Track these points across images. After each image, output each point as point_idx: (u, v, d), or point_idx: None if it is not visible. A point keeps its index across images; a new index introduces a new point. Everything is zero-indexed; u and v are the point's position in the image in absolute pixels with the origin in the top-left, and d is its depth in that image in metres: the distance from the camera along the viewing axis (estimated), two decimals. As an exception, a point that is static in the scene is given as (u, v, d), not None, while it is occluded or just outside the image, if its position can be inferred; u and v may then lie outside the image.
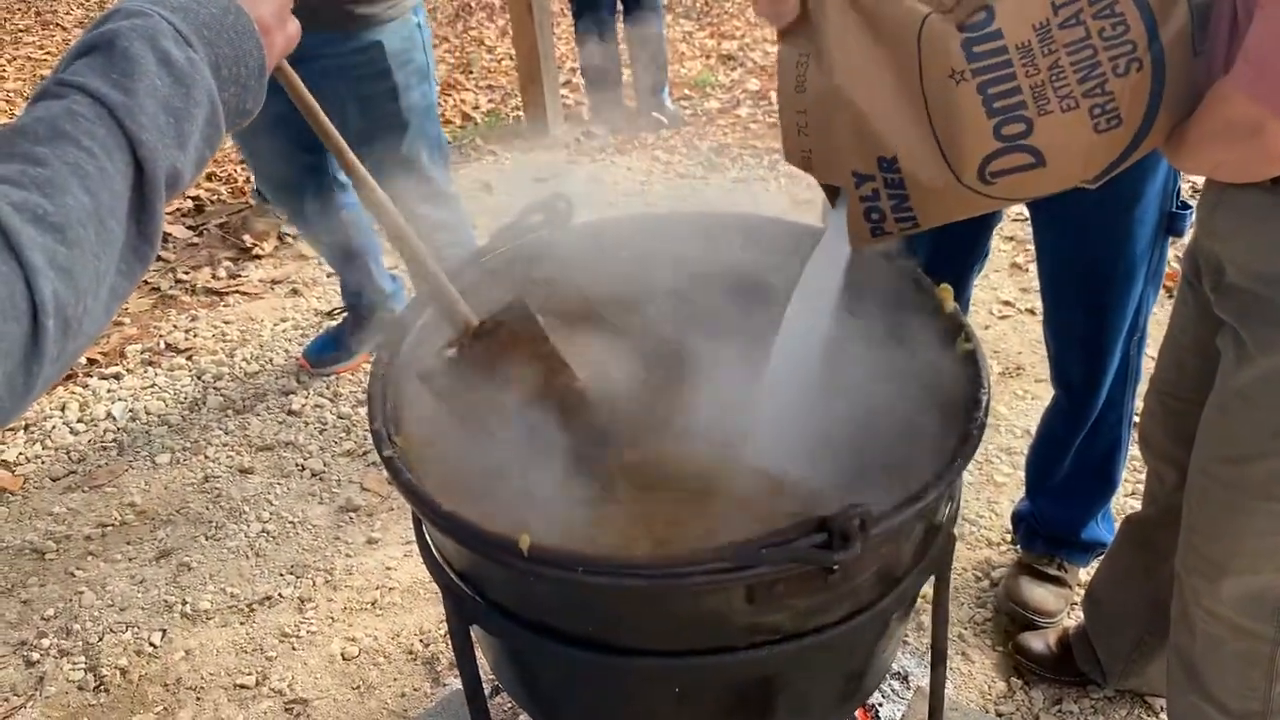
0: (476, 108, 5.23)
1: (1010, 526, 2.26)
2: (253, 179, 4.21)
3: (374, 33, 2.29)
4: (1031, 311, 3.21)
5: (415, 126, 2.44)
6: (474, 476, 1.42)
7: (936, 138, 1.17)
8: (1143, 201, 1.68)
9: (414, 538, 2.08)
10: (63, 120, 0.70)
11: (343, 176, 2.72)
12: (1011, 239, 3.59)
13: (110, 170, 0.70)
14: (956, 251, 1.91)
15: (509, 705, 1.81)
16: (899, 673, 1.94)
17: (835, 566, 1.14)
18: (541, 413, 1.40)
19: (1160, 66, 1.10)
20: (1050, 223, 1.80)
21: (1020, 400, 2.79)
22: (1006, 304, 3.28)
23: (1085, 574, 2.14)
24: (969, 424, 1.27)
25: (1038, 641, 2.00)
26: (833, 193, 1.34)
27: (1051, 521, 2.09)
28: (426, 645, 2.09)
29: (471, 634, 1.37)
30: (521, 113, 4.87)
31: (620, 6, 4.73)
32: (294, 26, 0.97)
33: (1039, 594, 2.07)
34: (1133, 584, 1.79)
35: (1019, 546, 2.22)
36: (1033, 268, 3.46)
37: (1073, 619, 2.08)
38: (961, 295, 2.06)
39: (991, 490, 2.47)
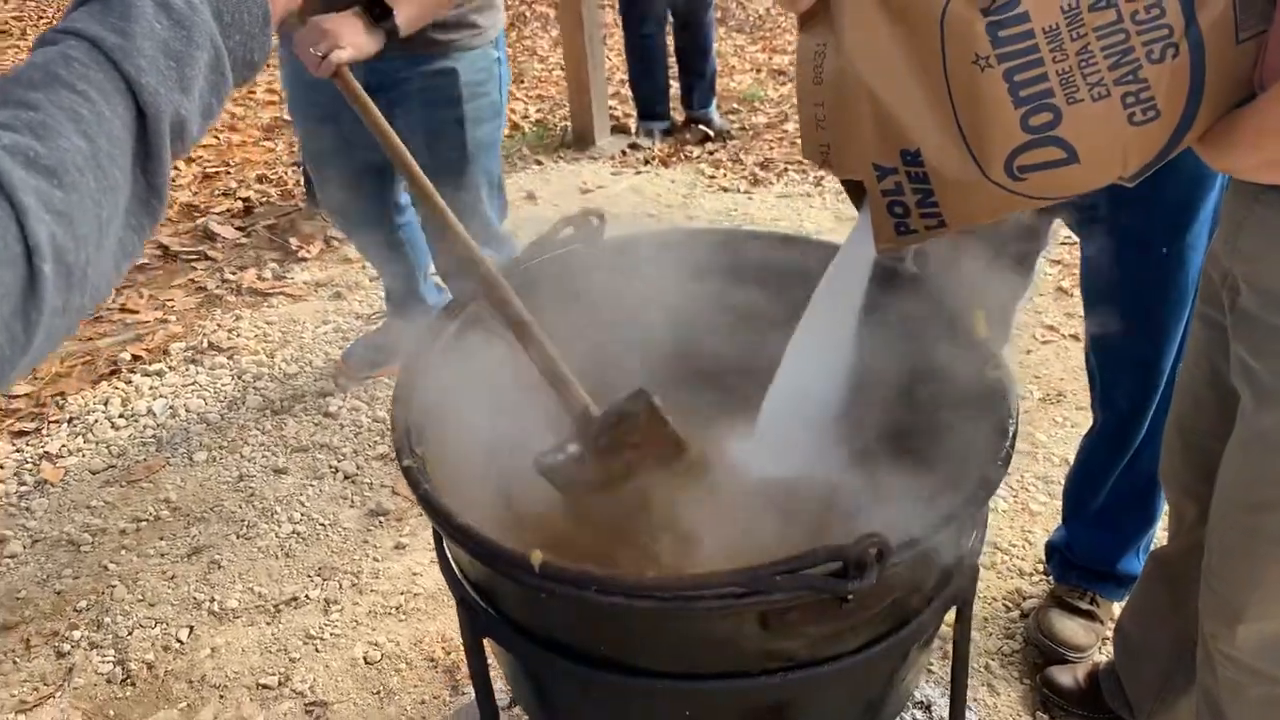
0: (525, 117, 5.26)
1: (1044, 556, 2.22)
2: (303, 182, 4.28)
3: (451, 59, 2.28)
4: (1075, 337, 3.15)
5: (478, 162, 2.42)
6: (492, 491, 1.42)
7: (961, 130, 1.11)
8: (1196, 224, 1.64)
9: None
10: (57, 65, 0.68)
11: (403, 199, 2.76)
12: (1058, 263, 3.54)
13: (108, 114, 0.68)
14: (1002, 280, 1.87)
15: (525, 717, 1.81)
16: (922, 702, 1.91)
17: (849, 596, 1.13)
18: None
19: (1200, 53, 1.03)
20: (1101, 244, 1.75)
21: (1059, 428, 2.74)
22: (1050, 329, 3.23)
23: (1119, 608, 2.09)
24: (994, 456, 1.25)
25: (1066, 676, 1.95)
26: (857, 196, 1.29)
27: (1087, 553, 2.05)
28: (448, 653, 2.09)
29: (486, 646, 1.38)
30: (569, 123, 4.89)
31: (670, 19, 4.74)
32: None
33: (1070, 628, 2.02)
34: (1160, 620, 1.75)
35: (1051, 578, 2.17)
36: (1078, 293, 3.41)
37: (1104, 655, 2.03)
38: (1006, 322, 2.02)
39: (1026, 519, 2.43)
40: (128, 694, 2.06)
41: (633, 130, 4.92)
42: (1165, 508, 1.99)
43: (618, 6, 4.80)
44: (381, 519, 2.48)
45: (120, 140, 0.68)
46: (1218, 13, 1.03)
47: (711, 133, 4.86)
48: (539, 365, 1.39)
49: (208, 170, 4.71)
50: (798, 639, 1.19)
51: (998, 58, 1.07)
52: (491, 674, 1.39)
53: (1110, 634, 2.03)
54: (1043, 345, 3.14)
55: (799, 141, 1.35)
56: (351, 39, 1.88)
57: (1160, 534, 2.17)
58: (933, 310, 1.46)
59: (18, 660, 2.16)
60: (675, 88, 5.01)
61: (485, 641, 1.35)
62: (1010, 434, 1.25)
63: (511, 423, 1.44)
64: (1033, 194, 1.12)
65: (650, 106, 4.90)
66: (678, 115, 5.04)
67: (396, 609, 2.22)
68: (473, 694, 1.96)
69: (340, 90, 1.53)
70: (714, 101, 5.01)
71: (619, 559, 1.36)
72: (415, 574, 2.30)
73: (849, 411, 1.47)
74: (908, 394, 1.41)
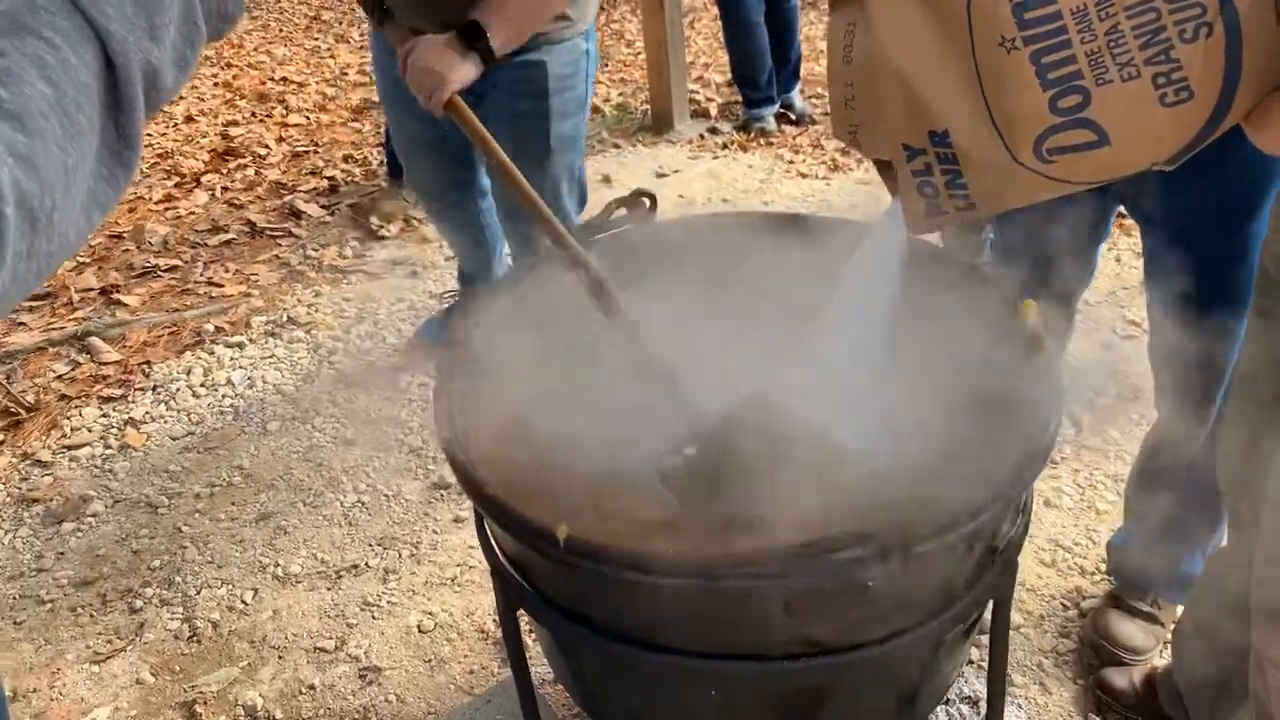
0: (606, 100, 5.27)
1: (1106, 556, 2.16)
2: (385, 163, 4.37)
3: (541, 52, 2.26)
4: (1158, 333, 3.05)
5: (559, 156, 2.42)
6: (529, 456, 1.44)
7: (989, 111, 1.09)
8: (1260, 215, 1.58)
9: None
10: (22, 13, 0.67)
11: (485, 183, 2.80)
12: (1137, 253, 3.42)
13: (74, 61, 0.67)
14: (1063, 270, 1.83)
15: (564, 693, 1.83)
16: (969, 697, 1.88)
17: (871, 582, 1.12)
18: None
19: (1235, 32, 0.99)
20: (1164, 237, 1.70)
21: (1137, 426, 2.66)
22: (1133, 324, 3.13)
23: (1181, 611, 2.02)
24: (1032, 446, 1.22)
25: (1121, 678, 1.90)
26: (890, 178, 1.28)
27: (1149, 554, 1.99)
28: (498, 626, 2.13)
29: (520, 620, 1.40)
30: (649, 107, 4.89)
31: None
32: None
33: (1129, 630, 1.97)
34: (1218, 627, 1.69)
35: (1112, 578, 2.11)
36: (1164, 287, 3.30)
37: (1163, 659, 1.97)
38: (1069, 319, 1.98)
39: (1092, 517, 2.37)
40: (193, 650, 2.15)
41: (741, 123, 4.83)
42: (1232, 510, 1.93)
43: None
44: (443, 492, 2.53)
45: (87, 88, 0.68)
46: None
47: (794, 116, 4.81)
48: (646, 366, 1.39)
49: (296, 149, 4.84)
50: (821, 624, 1.19)
51: (1024, 40, 1.06)
52: (533, 651, 1.41)
53: (1170, 638, 1.98)
54: (1124, 340, 3.05)
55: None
56: (454, 75, 1.90)
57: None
58: (985, 299, 1.44)
59: (95, 614, 2.26)
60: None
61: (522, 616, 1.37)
62: (1051, 426, 1.23)
63: (566, 399, 1.45)
64: (1064, 177, 1.10)
65: (757, 91, 4.76)
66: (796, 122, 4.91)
67: (452, 580, 2.27)
68: (518, 666, 2.01)
69: (455, 121, 1.58)
70: (798, 86, 4.93)
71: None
72: (471, 547, 2.35)
73: (891, 395, 1.46)
74: (953, 382, 1.38)
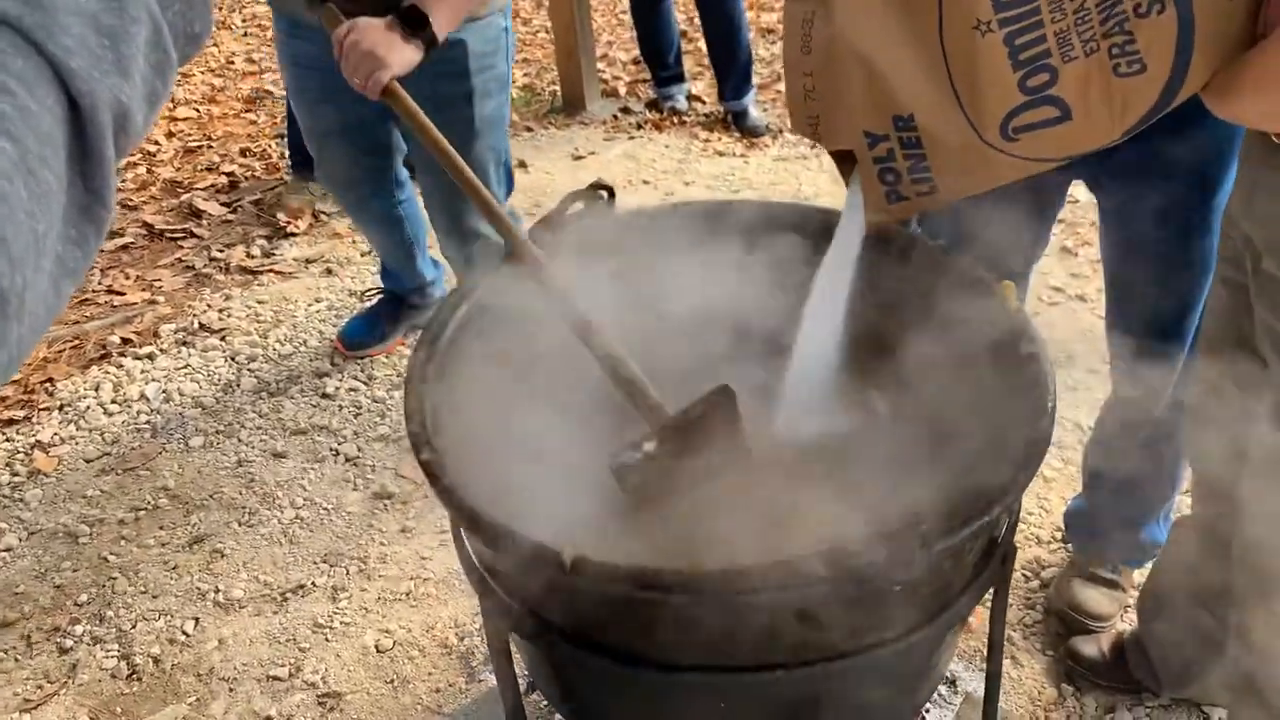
0: (513, 83, 5.15)
1: (1062, 525, 2.19)
2: (286, 155, 4.19)
3: (460, 30, 2.16)
4: (1082, 298, 3.12)
5: (484, 139, 2.35)
6: (513, 477, 1.37)
7: (956, 93, 1.10)
8: (1223, 188, 1.59)
9: (448, 527, 2.03)
10: None
11: (402, 174, 2.71)
12: (1061, 221, 3.49)
13: (34, 108, 0.56)
14: (1018, 241, 1.83)
15: (545, 702, 1.78)
16: (947, 677, 1.88)
17: (896, 586, 1.09)
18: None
19: (1187, 7, 1.03)
20: (1124, 210, 1.70)
21: (1070, 391, 2.70)
22: (1056, 290, 3.19)
23: (1140, 575, 2.06)
24: (1034, 434, 1.21)
25: (1090, 646, 1.93)
26: (847, 170, 1.28)
27: (1108, 521, 2.02)
28: (461, 639, 2.06)
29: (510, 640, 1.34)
30: (558, 88, 4.79)
31: None
32: None
33: (1092, 597, 2.00)
34: (1187, 591, 1.73)
35: (1071, 547, 2.14)
36: (1083, 252, 3.37)
37: (1127, 623, 2.01)
38: (1022, 288, 1.98)
39: (1040, 485, 2.40)
40: (134, 689, 2.02)
41: (651, 100, 4.68)
42: (1187, 474, 1.97)
43: None
44: (386, 502, 2.44)
45: (51, 137, 0.57)
46: None
47: (746, 127, 4.39)
48: (603, 365, 1.33)
49: (189, 145, 4.61)
50: (838, 629, 1.15)
51: (999, 22, 1.08)
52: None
53: (1133, 602, 2.01)
54: (1050, 307, 3.10)
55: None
56: (396, 58, 1.81)
57: (1183, 501, 2.14)
58: (962, 282, 1.42)
59: (19, 658, 2.11)
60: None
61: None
62: (1050, 410, 1.22)
63: (529, 409, 1.39)
64: (1027, 155, 1.13)
65: (666, 69, 4.57)
66: (711, 102, 4.68)
67: (406, 595, 2.18)
68: (490, 680, 1.94)
69: (391, 107, 1.52)
70: (751, 92, 4.45)
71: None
72: (424, 558, 2.26)
73: (879, 386, 1.44)
74: (941, 371, 1.36)
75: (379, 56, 1.77)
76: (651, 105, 4.71)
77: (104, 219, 0.62)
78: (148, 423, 2.78)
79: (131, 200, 4.11)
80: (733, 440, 1.32)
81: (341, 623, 2.12)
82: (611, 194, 1.64)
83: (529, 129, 4.56)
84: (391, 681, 1.99)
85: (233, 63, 5.78)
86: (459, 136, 2.28)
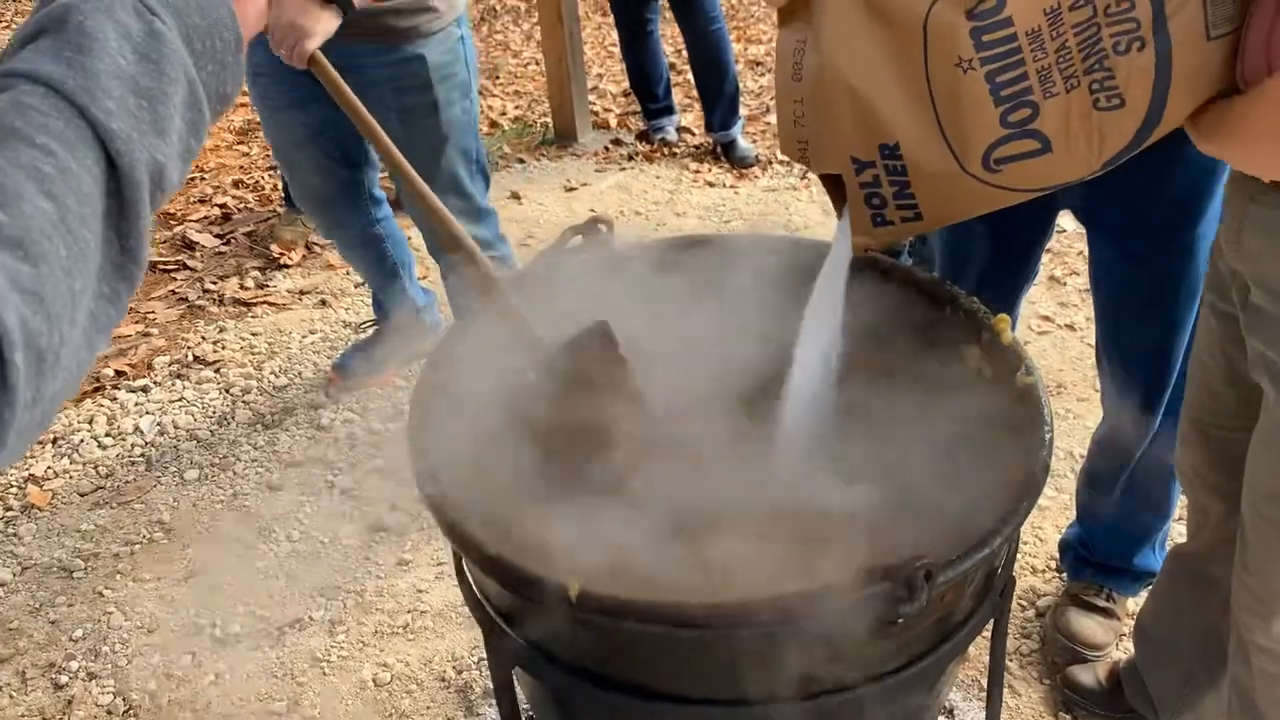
0: (504, 114, 5.20)
1: (1056, 553, 2.21)
2: (280, 187, 4.20)
3: (417, 45, 2.27)
4: (1071, 327, 3.15)
5: (454, 141, 2.42)
6: (513, 507, 1.38)
7: (940, 125, 1.14)
8: (1207, 213, 1.62)
9: (445, 560, 2.03)
10: (10, 116, 0.59)
11: (378, 192, 2.73)
12: (1049, 251, 3.52)
13: (75, 169, 0.59)
14: (1008, 271, 1.86)
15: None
16: (945, 707, 1.89)
17: (900, 619, 1.10)
18: (600, 444, 1.34)
19: (1166, 46, 1.07)
20: (1113, 238, 1.73)
21: (1062, 420, 2.73)
22: (1045, 319, 3.22)
23: (1134, 604, 2.07)
24: (1032, 464, 1.23)
25: (1087, 675, 1.94)
26: (839, 202, 1.30)
27: (1102, 549, 2.04)
28: (460, 672, 2.05)
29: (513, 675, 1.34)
30: (550, 120, 4.83)
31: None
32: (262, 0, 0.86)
33: (1088, 626, 2.01)
34: (1183, 617, 1.74)
35: (1066, 575, 2.16)
36: (1071, 281, 3.40)
37: (1122, 651, 2.02)
38: (1012, 316, 2.00)
39: (1035, 514, 2.41)
40: (131, 726, 2.01)
41: (641, 132, 4.72)
42: (1180, 502, 1.99)
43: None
44: (382, 534, 2.44)
45: (90, 197, 0.60)
46: (1187, 11, 1.07)
47: (735, 158, 4.42)
48: (490, 296, 1.39)
49: (182, 177, 4.62)
50: (840, 663, 1.16)
51: (980, 60, 1.11)
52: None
53: (1127, 630, 2.02)
54: (1039, 336, 3.13)
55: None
56: (317, 27, 1.86)
57: (1177, 528, 2.16)
58: (957, 313, 1.44)
59: (14, 694, 2.10)
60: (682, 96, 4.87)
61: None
62: (1048, 440, 1.24)
63: (530, 440, 1.40)
64: (1009, 185, 1.16)
65: (655, 101, 4.60)
66: (700, 133, 4.69)
67: (404, 628, 2.17)
68: (489, 714, 1.94)
69: (317, 77, 1.51)
70: (739, 122, 4.47)
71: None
72: (421, 591, 2.26)
73: (876, 418, 1.45)
74: (938, 403, 1.38)
75: (300, 26, 1.83)
76: (642, 137, 4.75)
77: (136, 276, 0.64)
78: (142, 455, 2.78)
79: (124, 232, 4.11)
80: (613, 377, 1.35)
81: (339, 656, 2.12)
82: (610, 226, 1.66)
83: (521, 160, 4.59)
84: (389, 716, 1.98)
85: (225, 95, 5.80)
86: (429, 144, 2.37)
